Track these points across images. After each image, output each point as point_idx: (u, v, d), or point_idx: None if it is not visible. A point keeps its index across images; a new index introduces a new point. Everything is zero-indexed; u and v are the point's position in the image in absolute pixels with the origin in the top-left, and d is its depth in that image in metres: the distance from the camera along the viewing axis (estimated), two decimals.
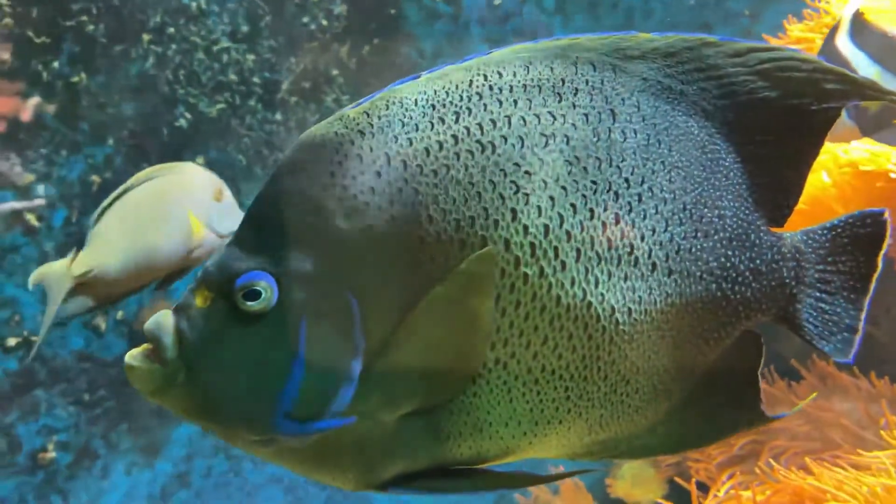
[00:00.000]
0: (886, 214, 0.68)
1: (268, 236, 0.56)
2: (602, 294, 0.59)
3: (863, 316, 0.68)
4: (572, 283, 0.58)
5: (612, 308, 0.60)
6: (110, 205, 1.11)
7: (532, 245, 0.57)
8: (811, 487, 1.06)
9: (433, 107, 0.58)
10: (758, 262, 0.65)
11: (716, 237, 0.64)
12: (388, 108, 0.57)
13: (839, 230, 0.68)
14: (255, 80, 1.95)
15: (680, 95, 0.64)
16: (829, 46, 1.12)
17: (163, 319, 0.55)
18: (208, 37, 1.88)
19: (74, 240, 1.68)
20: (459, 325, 0.56)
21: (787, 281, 0.67)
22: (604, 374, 0.61)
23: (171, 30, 1.82)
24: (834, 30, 1.12)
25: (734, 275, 0.65)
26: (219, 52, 1.90)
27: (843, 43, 1.11)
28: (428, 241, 0.56)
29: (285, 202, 0.56)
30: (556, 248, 0.58)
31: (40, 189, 1.66)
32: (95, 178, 1.74)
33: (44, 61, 1.68)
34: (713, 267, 0.64)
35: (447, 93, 0.58)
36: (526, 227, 0.57)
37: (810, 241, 0.68)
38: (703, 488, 1.33)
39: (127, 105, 1.79)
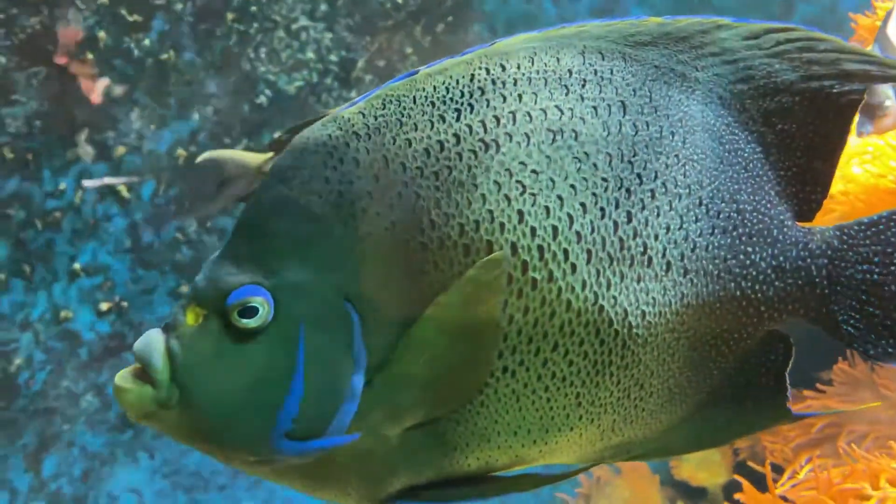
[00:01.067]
0: None
1: (261, 247, 0.53)
2: (614, 297, 0.57)
3: None
4: (583, 287, 0.56)
5: (625, 311, 0.57)
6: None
7: (540, 248, 0.55)
8: (893, 471, 1.06)
9: (433, 104, 0.55)
10: (781, 259, 0.62)
11: (734, 233, 0.61)
12: (384, 108, 0.54)
13: (882, 226, 0.64)
14: (332, 58, 2.00)
15: (694, 83, 0.60)
16: (881, 34, 1.12)
17: (152, 339, 0.52)
18: (288, 15, 1.93)
19: (162, 210, 1.77)
20: (466, 335, 0.54)
21: (818, 280, 0.63)
22: (616, 380, 0.58)
23: (254, 8, 1.88)
24: (887, 18, 1.11)
25: (754, 273, 0.61)
26: (297, 30, 1.95)
27: (894, 31, 1.11)
28: (431, 247, 0.53)
29: (279, 210, 0.53)
30: (565, 251, 0.55)
31: (131, 160, 1.75)
32: (181, 151, 1.82)
33: (136, 39, 1.76)
34: (732, 265, 0.60)
35: (447, 89, 0.55)
36: (534, 230, 0.55)
37: (846, 238, 0.64)
38: (778, 470, 1.34)
39: (211, 82, 1.86)
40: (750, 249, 0.61)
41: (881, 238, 0.63)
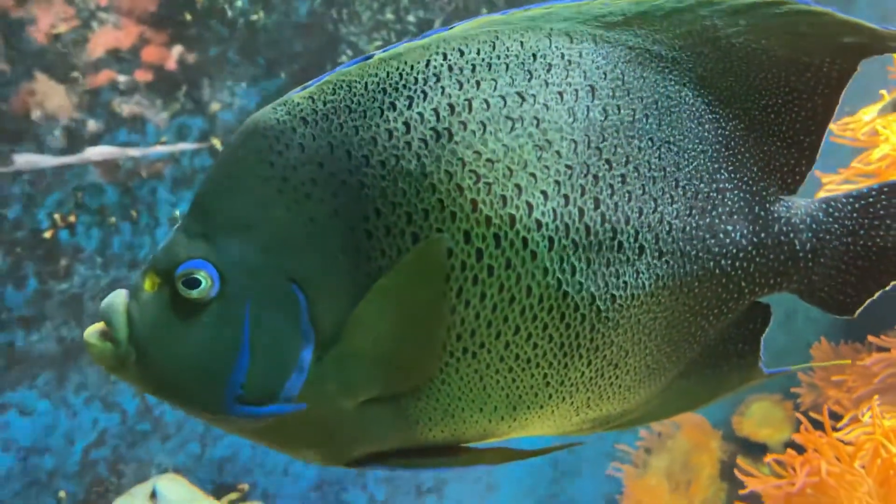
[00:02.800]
0: None
1: (210, 225, 0.55)
2: (580, 282, 0.56)
3: (891, 283, 0.65)
4: (545, 274, 0.56)
5: (593, 296, 0.57)
6: None
7: (496, 236, 0.55)
8: None
9: (384, 91, 0.54)
10: (763, 235, 0.62)
11: (713, 213, 0.60)
12: (334, 93, 0.54)
13: (871, 200, 0.64)
14: (410, 18, 2.09)
15: (672, 63, 0.59)
16: None
17: (115, 300, 0.56)
18: None
19: None
20: (407, 316, 0.54)
21: (801, 254, 0.63)
22: (587, 361, 0.59)
23: None
24: None
25: (735, 251, 0.61)
26: None
27: None
28: (376, 234, 0.54)
29: (227, 192, 0.55)
30: (524, 239, 0.55)
31: (224, 116, 1.89)
32: None
33: (229, 0, 1.88)
34: (711, 244, 0.60)
35: (401, 75, 0.55)
36: (489, 219, 0.54)
37: (832, 211, 0.64)
38: (838, 419, 1.41)
39: (297, 42, 1.97)
40: (730, 228, 0.61)
41: (868, 211, 0.64)
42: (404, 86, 0.55)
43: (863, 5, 2.14)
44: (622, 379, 0.61)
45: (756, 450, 2.08)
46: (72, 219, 1.64)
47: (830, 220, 0.64)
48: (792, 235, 0.63)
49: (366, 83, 0.54)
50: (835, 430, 1.27)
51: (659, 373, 0.63)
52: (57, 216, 1.62)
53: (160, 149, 1.77)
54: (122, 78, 1.74)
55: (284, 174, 0.54)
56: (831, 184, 1.53)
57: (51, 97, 1.61)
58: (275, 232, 0.54)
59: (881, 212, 0.63)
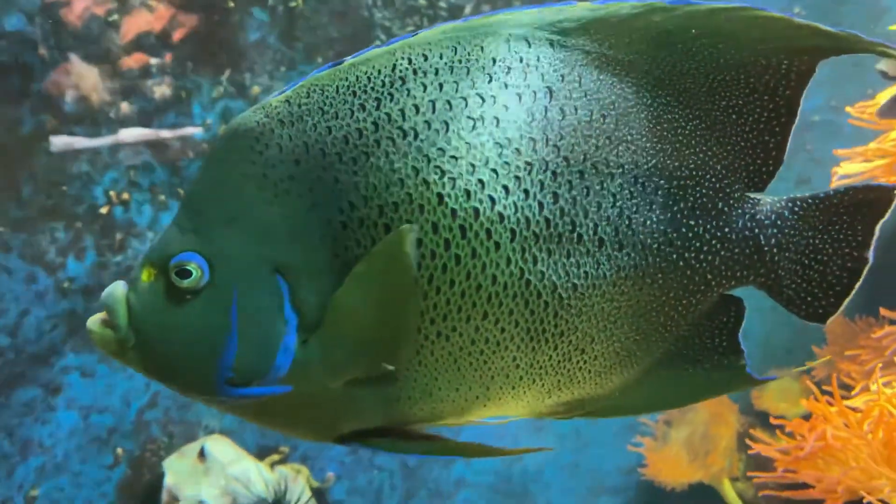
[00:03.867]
0: None
1: (200, 219, 0.59)
2: (542, 272, 0.60)
3: (857, 285, 0.67)
4: (508, 263, 0.59)
5: (554, 284, 0.60)
6: None
7: (462, 228, 0.58)
8: None
9: (354, 94, 0.58)
10: (727, 230, 0.65)
11: (675, 208, 0.63)
12: (308, 97, 0.58)
13: (836, 200, 0.66)
14: (442, 4, 2.17)
15: (629, 66, 0.62)
16: None
17: (115, 290, 0.60)
18: None
19: None
20: (381, 301, 0.58)
21: (766, 248, 0.66)
22: (553, 345, 0.62)
23: None
24: None
25: (698, 244, 0.64)
26: None
27: None
28: (351, 226, 0.58)
29: (214, 189, 0.59)
30: (488, 230, 0.59)
31: (265, 99, 1.99)
32: None
33: None
34: (673, 238, 0.63)
35: (369, 79, 0.58)
36: (454, 211, 0.58)
37: (797, 209, 0.66)
38: (850, 391, 1.48)
39: (333, 27, 2.06)
40: (693, 222, 0.64)
41: (831, 210, 0.66)
42: (372, 88, 0.58)
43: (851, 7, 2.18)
44: (591, 364, 0.64)
45: (773, 423, 2.15)
46: (125, 196, 1.76)
47: (795, 217, 0.66)
48: (757, 231, 0.65)
49: (337, 86, 0.58)
50: (844, 399, 1.35)
51: (631, 360, 0.66)
52: (112, 193, 1.74)
53: (192, 130, 1.87)
54: (160, 61, 1.84)
55: (265, 171, 0.58)
56: (852, 161, 1.58)
57: (86, 79, 1.70)
58: (257, 225, 0.58)
59: (842, 211, 0.66)
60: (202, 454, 1.74)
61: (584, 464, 2.25)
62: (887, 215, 0.66)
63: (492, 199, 0.59)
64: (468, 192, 0.58)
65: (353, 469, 2.01)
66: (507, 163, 0.59)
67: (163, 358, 0.59)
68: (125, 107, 1.76)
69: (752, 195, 0.66)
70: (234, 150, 0.59)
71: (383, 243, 0.58)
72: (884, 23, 1.85)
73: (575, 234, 0.60)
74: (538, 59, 0.60)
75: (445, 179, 0.58)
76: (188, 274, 0.58)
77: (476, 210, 0.58)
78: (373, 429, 0.63)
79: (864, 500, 1.21)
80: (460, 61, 0.59)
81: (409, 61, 0.59)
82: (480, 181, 0.58)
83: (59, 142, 1.66)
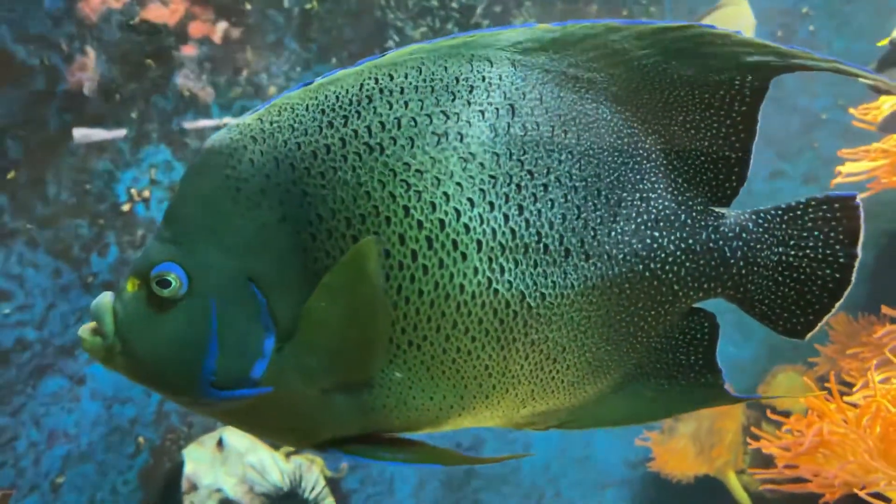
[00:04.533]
0: (858, 199, 0.67)
1: (179, 232, 0.62)
2: (509, 281, 0.62)
3: (838, 304, 0.67)
4: (475, 273, 0.61)
5: (522, 294, 0.62)
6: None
7: (428, 239, 0.60)
8: None
9: (323, 112, 0.60)
10: (691, 241, 0.66)
11: (638, 220, 0.65)
12: (279, 115, 0.61)
13: (799, 212, 0.67)
14: (454, 5, 2.21)
15: (588, 84, 0.64)
16: None
17: (103, 300, 0.63)
18: None
19: None
20: (349, 309, 0.60)
21: (732, 261, 0.67)
22: (524, 354, 0.63)
23: None
24: None
25: (663, 255, 0.65)
26: None
27: None
28: (320, 237, 0.60)
29: (192, 202, 0.62)
30: (454, 241, 0.60)
31: None
32: None
33: None
34: (638, 248, 0.65)
35: (337, 97, 0.61)
36: (420, 223, 0.60)
37: (762, 222, 0.68)
38: (851, 388, 1.51)
39: (347, 28, 2.11)
40: (657, 234, 0.65)
41: (798, 223, 0.67)
42: (340, 106, 0.61)
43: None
44: (563, 374, 0.66)
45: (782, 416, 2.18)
46: (146, 194, 1.82)
47: (760, 230, 0.68)
48: (721, 243, 0.67)
49: (307, 105, 0.61)
50: (843, 395, 1.38)
51: (604, 371, 0.67)
52: (133, 191, 1.80)
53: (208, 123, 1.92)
54: (193, 61, 1.90)
55: (238, 185, 0.60)
56: (856, 159, 1.61)
57: (104, 75, 1.75)
58: (232, 236, 0.60)
59: (809, 224, 0.67)
60: (220, 444, 1.80)
61: (591, 457, 2.29)
62: (861, 234, 0.66)
63: (457, 211, 0.60)
64: (433, 205, 0.60)
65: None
66: (471, 176, 0.61)
67: (148, 364, 0.62)
68: (142, 104, 1.81)
69: (716, 209, 0.68)
70: (209, 165, 0.61)
71: (349, 253, 0.59)
72: (893, 23, 1.87)
73: (541, 245, 0.62)
74: (500, 78, 0.62)
75: (411, 192, 0.60)
76: (168, 284, 0.60)
77: (441, 221, 0.60)
78: (354, 436, 0.65)
79: (862, 493, 1.24)
80: (425, 80, 0.61)
81: (376, 81, 0.61)
82: (445, 194, 0.60)
83: (79, 134, 1.71)
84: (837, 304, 0.67)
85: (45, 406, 1.69)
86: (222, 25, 1.94)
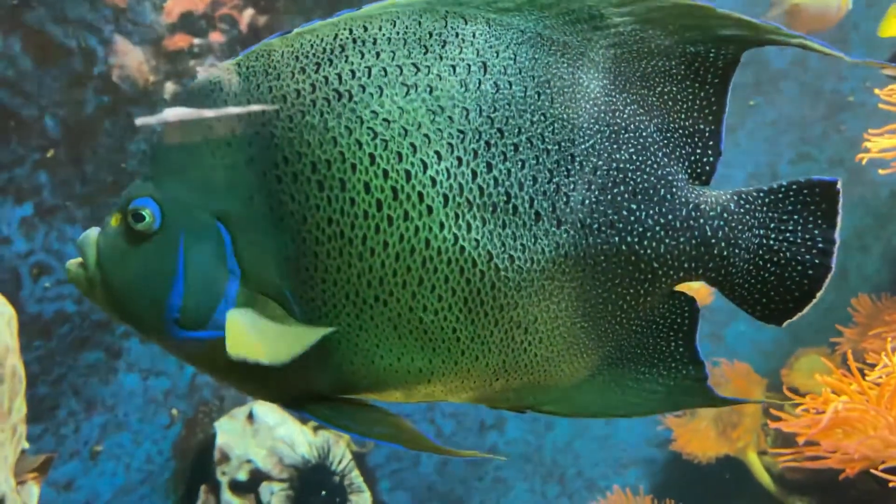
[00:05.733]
0: (839, 185, 0.67)
1: (156, 169, 0.63)
2: (476, 239, 0.61)
3: (819, 294, 0.67)
4: (441, 228, 0.61)
5: (490, 254, 0.61)
6: None
7: (394, 189, 0.60)
8: None
9: (296, 58, 0.61)
10: (670, 217, 0.65)
11: (615, 190, 0.64)
12: (256, 60, 0.62)
13: (780, 195, 0.67)
14: None
15: (563, 47, 0.63)
16: None
17: (89, 234, 0.64)
18: None
19: None
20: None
21: (714, 241, 0.66)
22: (493, 319, 0.63)
23: None
24: None
25: (641, 229, 0.64)
26: None
27: None
28: (285, 180, 0.60)
29: (168, 141, 0.63)
30: (420, 193, 0.60)
31: None
32: None
33: None
34: (614, 220, 0.64)
35: (311, 45, 0.61)
36: (386, 172, 0.60)
37: (743, 203, 0.67)
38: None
39: None
40: (634, 206, 0.64)
41: (778, 206, 0.66)
42: (314, 54, 0.61)
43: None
44: (536, 346, 0.65)
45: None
46: None
47: (742, 210, 0.66)
48: (702, 221, 0.65)
49: (282, 52, 0.62)
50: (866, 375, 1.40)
51: (579, 349, 0.66)
52: None
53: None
54: (203, 42, 1.93)
55: (210, 125, 0.62)
56: (878, 139, 1.61)
57: (132, 59, 1.79)
58: (202, 174, 0.62)
59: (789, 208, 0.66)
60: (251, 417, 1.86)
61: (613, 436, 2.32)
62: (839, 219, 0.66)
63: (423, 162, 0.60)
64: (400, 155, 0.60)
65: None
66: (439, 129, 0.61)
67: (120, 296, 0.63)
68: (170, 87, 1.85)
69: (696, 187, 0.67)
70: (188, 104, 0.63)
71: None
72: None
73: (510, 206, 0.62)
74: (473, 35, 0.62)
75: (378, 141, 0.60)
76: (142, 218, 0.61)
77: (408, 172, 0.60)
78: (331, 398, 0.65)
79: (881, 467, 1.26)
80: (398, 33, 0.62)
81: (350, 31, 0.62)
82: (412, 145, 0.60)
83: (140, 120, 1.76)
84: (819, 293, 0.67)
85: (83, 377, 1.76)
86: (249, 12, 1.98)
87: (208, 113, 0.62)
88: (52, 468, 1.29)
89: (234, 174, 0.61)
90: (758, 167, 2.35)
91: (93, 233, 0.65)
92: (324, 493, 1.80)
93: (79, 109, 1.72)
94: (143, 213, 0.61)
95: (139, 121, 1.77)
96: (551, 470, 2.29)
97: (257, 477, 1.80)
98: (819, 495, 1.94)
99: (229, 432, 1.83)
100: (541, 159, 0.62)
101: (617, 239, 0.64)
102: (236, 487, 1.80)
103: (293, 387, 0.64)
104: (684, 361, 0.68)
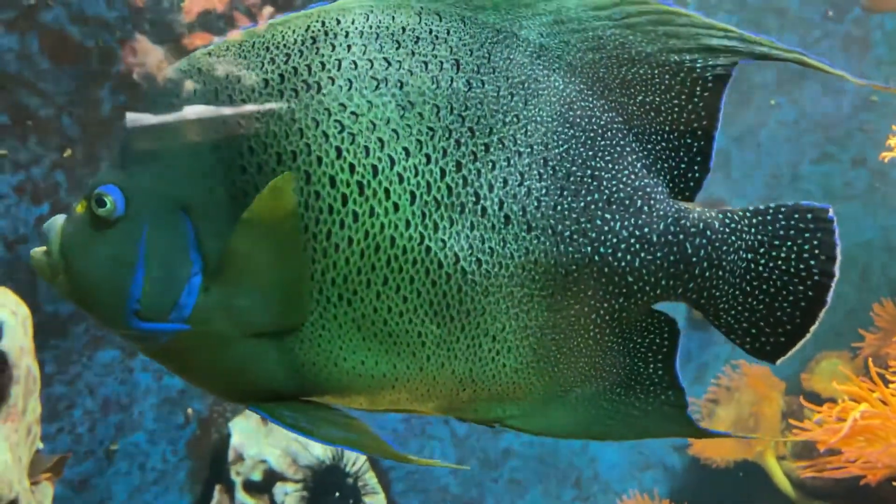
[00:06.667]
0: (831, 212, 0.63)
1: (125, 156, 0.62)
2: (443, 240, 0.60)
3: (813, 328, 0.64)
4: (407, 226, 0.59)
5: (457, 255, 0.60)
6: None
7: (360, 184, 0.59)
8: None
9: (267, 49, 0.61)
10: (646, 230, 0.62)
11: (588, 198, 0.62)
12: (227, 50, 0.61)
13: (769, 217, 0.64)
14: None
15: (540, 49, 0.62)
16: None
17: (55, 221, 0.64)
18: None
19: None
20: (267, 247, 0.59)
21: (695, 259, 0.63)
22: (460, 325, 0.61)
23: None
24: None
25: (615, 240, 0.62)
26: None
27: None
28: (250, 170, 0.59)
29: (138, 129, 0.62)
30: (386, 190, 0.59)
31: None
32: None
33: None
34: (587, 228, 0.62)
35: (283, 36, 0.61)
36: (352, 166, 0.59)
37: (728, 222, 0.64)
38: None
39: None
40: (608, 216, 0.62)
41: (767, 229, 0.63)
42: (284, 45, 0.60)
43: None
44: (504, 357, 0.63)
45: (823, 404, 2.18)
46: None
47: (727, 230, 0.64)
48: (682, 237, 0.63)
49: (253, 42, 0.61)
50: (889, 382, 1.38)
51: (550, 363, 0.64)
52: None
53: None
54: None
55: (178, 113, 0.61)
56: None
57: (152, 58, 1.80)
58: (168, 162, 0.61)
59: (780, 232, 0.63)
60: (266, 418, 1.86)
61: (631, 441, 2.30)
62: (838, 251, 0.63)
63: (391, 158, 0.59)
64: (367, 149, 0.59)
65: (406, 437, 2.11)
66: (408, 125, 0.59)
67: (82, 283, 0.62)
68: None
69: (678, 202, 0.64)
70: (157, 94, 0.62)
71: (266, 189, 0.59)
72: None
73: (479, 207, 0.60)
74: (448, 32, 0.61)
75: (345, 134, 0.59)
76: (104, 204, 0.61)
77: (375, 167, 0.59)
78: (294, 401, 0.63)
79: None
80: (371, 27, 0.61)
81: (323, 24, 0.61)
82: (380, 140, 0.59)
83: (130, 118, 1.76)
84: (813, 328, 0.63)
85: (99, 377, 1.77)
86: (268, 10, 1.98)
87: (176, 101, 0.61)
88: (66, 467, 1.29)
89: (198, 163, 0.60)
90: (779, 167, 2.32)
91: (58, 219, 0.64)
92: (338, 494, 1.80)
93: (96, 109, 1.73)
94: (106, 199, 0.60)
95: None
96: (567, 472, 2.27)
97: (271, 477, 1.81)
98: (840, 501, 1.92)
99: (244, 432, 1.84)
100: (512, 161, 0.60)
101: (589, 249, 0.62)
102: (250, 487, 1.80)
103: (253, 385, 0.62)
104: (663, 386, 0.65)
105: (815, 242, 0.63)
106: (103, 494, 1.77)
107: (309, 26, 0.61)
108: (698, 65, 0.62)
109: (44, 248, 0.63)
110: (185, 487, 1.86)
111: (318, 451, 1.83)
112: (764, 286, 0.64)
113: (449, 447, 2.14)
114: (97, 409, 1.77)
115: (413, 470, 2.13)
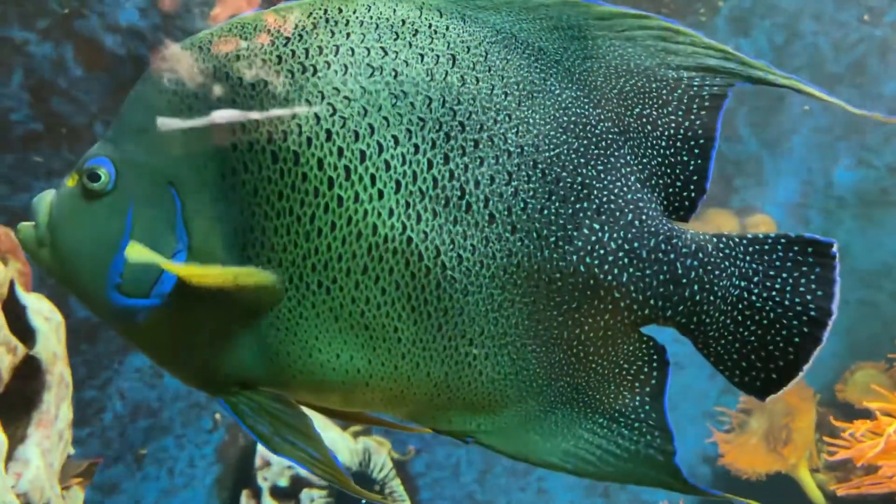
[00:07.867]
0: (835, 248, 0.61)
1: (118, 130, 0.63)
2: (425, 232, 0.59)
3: (806, 367, 0.61)
4: (390, 214, 0.59)
5: (438, 249, 0.59)
6: None
7: (347, 168, 0.59)
8: None
9: (268, 31, 0.61)
10: (636, 244, 0.61)
11: (577, 205, 0.61)
12: (229, 31, 0.62)
13: (767, 246, 0.62)
14: None
15: (538, 52, 0.62)
16: None
17: (44, 195, 0.63)
18: None
19: None
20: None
21: (685, 281, 0.61)
22: (437, 324, 0.60)
23: None
24: None
25: (602, 251, 0.61)
26: None
27: None
28: (241, 147, 0.60)
29: (134, 104, 0.63)
30: (372, 176, 0.59)
31: None
32: None
33: None
34: (574, 236, 0.61)
35: (285, 20, 0.62)
36: (341, 150, 0.59)
37: (723, 247, 0.62)
38: None
39: None
40: (597, 226, 0.61)
41: (763, 258, 0.62)
42: (285, 28, 0.61)
43: None
44: (481, 363, 0.62)
45: (857, 416, 2.13)
46: None
47: (721, 255, 0.62)
48: (672, 256, 0.61)
49: (255, 25, 0.62)
50: None
51: (529, 376, 0.62)
52: None
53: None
54: None
55: (175, 88, 0.61)
56: None
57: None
58: (160, 137, 0.61)
59: (777, 263, 0.62)
60: None
61: None
62: (837, 289, 0.60)
63: (380, 145, 0.59)
64: (357, 134, 0.59)
65: (432, 444, 2.10)
66: (399, 114, 0.60)
67: (65, 256, 0.61)
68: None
69: (672, 221, 0.63)
70: (158, 70, 0.62)
71: (253, 283, 0.59)
72: None
73: (464, 202, 0.60)
74: (447, 28, 0.62)
75: (336, 117, 0.59)
76: (97, 178, 0.60)
77: (363, 153, 0.59)
78: (258, 397, 0.62)
79: None
80: (371, 17, 0.61)
81: (325, 11, 0.62)
82: (370, 126, 0.59)
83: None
84: (806, 366, 0.61)
85: (129, 381, 1.78)
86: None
87: (173, 77, 0.61)
88: (96, 471, 1.30)
89: (190, 139, 0.60)
90: (811, 174, 2.28)
91: (48, 194, 0.64)
92: (364, 501, 1.79)
93: None
94: (99, 172, 0.61)
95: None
96: (595, 482, 2.25)
97: (298, 483, 1.81)
98: None
99: None
100: (501, 160, 0.60)
101: (575, 258, 0.60)
102: (277, 493, 1.81)
103: (226, 371, 0.62)
104: (650, 424, 0.63)
105: (813, 277, 0.61)
106: (132, 499, 1.78)
107: (312, 13, 0.62)
108: (696, 83, 0.62)
109: (32, 222, 0.63)
110: (213, 492, 1.86)
111: (345, 458, 1.83)
112: (756, 317, 0.62)
113: (475, 454, 2.13)
114: (127, 414, 1.78)
115: (440, 477, 2.12)
